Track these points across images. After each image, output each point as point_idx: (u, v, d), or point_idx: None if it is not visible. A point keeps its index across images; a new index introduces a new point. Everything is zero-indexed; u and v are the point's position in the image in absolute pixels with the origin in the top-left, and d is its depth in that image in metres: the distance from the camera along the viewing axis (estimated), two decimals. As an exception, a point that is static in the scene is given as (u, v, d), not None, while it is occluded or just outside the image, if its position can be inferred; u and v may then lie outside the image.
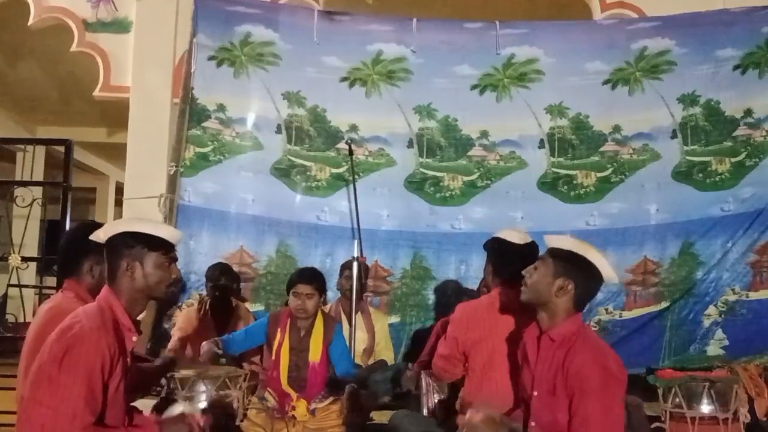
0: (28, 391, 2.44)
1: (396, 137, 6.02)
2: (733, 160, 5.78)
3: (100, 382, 2.43)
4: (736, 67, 5.80)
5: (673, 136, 5.87)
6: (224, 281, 5.18)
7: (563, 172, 5.94)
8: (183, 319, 5.24)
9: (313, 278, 4.37)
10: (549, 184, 5.94)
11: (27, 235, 6.70)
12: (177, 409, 2.75)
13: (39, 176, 8.79)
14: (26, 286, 6.97)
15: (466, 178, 5.97)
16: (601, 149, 5.92)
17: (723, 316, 5.61)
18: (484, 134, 5.99)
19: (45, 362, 2.42)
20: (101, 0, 6.59)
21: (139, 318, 2.77)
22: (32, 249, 8.25)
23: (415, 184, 5.99)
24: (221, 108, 5.90)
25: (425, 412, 4.08)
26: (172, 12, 6.46)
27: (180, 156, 5.77)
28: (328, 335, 4.37)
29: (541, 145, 5.97)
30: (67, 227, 5.92)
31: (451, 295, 5.42)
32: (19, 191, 6.51)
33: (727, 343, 5.56)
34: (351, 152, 5.61)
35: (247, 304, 5.53)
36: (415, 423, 3.82)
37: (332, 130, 6.00)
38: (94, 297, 2.79)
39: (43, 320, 2.90)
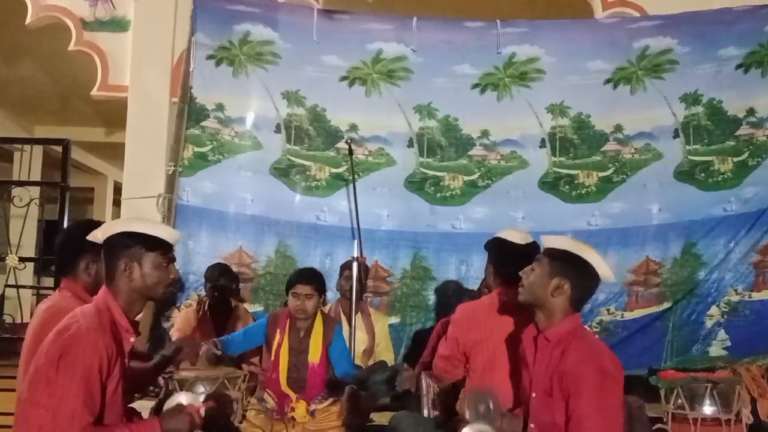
0: (26, 392, 2.44)
1: (396, 137, 6.00)
2: (736, 159, 5.76)
3: (98, 383, 2.42)
4: (738, 66, 5.78)
5: (676, 135, 5.84)
6: (223, 282, 5.17)
7: (564, 171, 5.92)
8: (181, 319, 5.24)
9: (313, 279, 4.38)
10: (550, 184, 5.92)
11: (24, 236, 6.66)
12: (176, 399, 2.74)
13: (36, 176, 8.87)
14: (24, 287, 6.95)
15: (466, 178, 5.96)
16: (603, 149, 5.91)
17: (725, 316, 5.58)
18: (485, 134, 5.97)
19: (42, 363, 2.42)
20: (99, -2, 6.57)
21: (137, 318, 2.75)
22: (30, 249, 8.23)
23: (416, 184, 5.97)
24: (220, 107, 5.88)
25: (425, 413, 4.06)
26: (171, 11, 6.39)
27: (178, 156, 5.76)
28: (328, 336, 4.38)
29: (543, 144, 5.95)
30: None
31: (451, 295, 5.40)
32: (16, 191, 6.48)
33: (729, 343, 5.54)
34: (351, 152, 5.59)
35: (246, 305, 5.52)
36: (415, 424, 3.81)
37: (332, 130, 5.99)
38: (92, 295, 2.79)
39: (40, 320, 2.92)
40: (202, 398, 2.82)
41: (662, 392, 3.96)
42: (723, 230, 5.65)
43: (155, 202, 5.74)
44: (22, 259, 6.33)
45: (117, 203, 13.03)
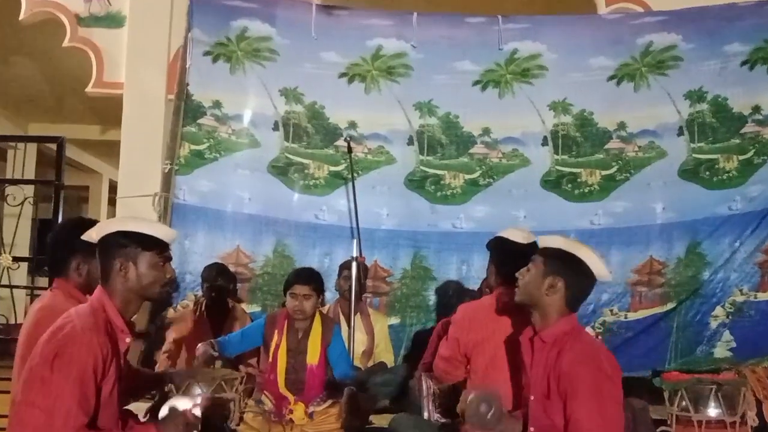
0: (20, 393, 2.43)
1: (396, 134, 5.96)
2: (741, 157, 5.70)
3: (92, 384, 2.42)
4: (743, 63, 5.73)
5: (680, 133, 5.79)
6: (220, 282, 5.14)
7: (567, 170, 5.87)
8: (178, 320, 5.21)
9: (311, 279, 4.38)
10: (552, 183, 5.87)
11: (18, 235, 6.61)
12: (171, 404, 2.70)
13: (30, 174, 8.89)
14: (17, 287, 6.91)
15: (467, 176, 5.92)
16: (606, 147, 5.86)
17: (730, 317, 5.52)
18: (486, 131, 5.93)
19: (37, 363, 2.42)
20: (94, -6, 6.53)
21: (132, 319, 2.75)
22: (23, 249, 8.16)
23: (416, 183, 5.92)
24: (217, 104, 5.84)
25: (425, 415, 4.04)
26: (167, 6, 6.39)
27: (175, 154, 5.72)
28: (327, 337, 4.38)
29: (545, 142, 5.91)
30: (59, 227, 5.84)
31: (452, 295, 5.41)
32: (10, 189, 6.48)
33: (734, 344, 5.48)
34: (350, 150, 5.54)
35: (243, 305, 5.49)
36: (415, 426, 3.80)
37: (331, 127, 5.94)
38: (86, 294, 2.84)
39: (34, 320, 2.94)
40: (198, 400, 2.76)
41: (666, 394, 3.92)
42: (728, 229, 5.59)
43: (151, 201, 5.69)
44: (15, 259, 6.31)
45: (112, 202, 13.08)
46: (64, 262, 3.08)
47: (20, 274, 7.50)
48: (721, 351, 5.48)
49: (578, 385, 2.63)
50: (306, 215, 5.86)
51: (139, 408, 3.38)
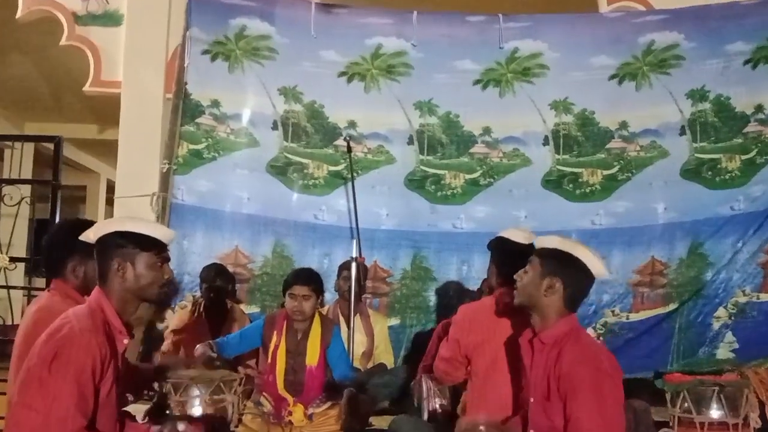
0: (17, 394, 2.41)
1: (396, 134, 5.95)
2: (744, 157, 5.69)
3: (91, 385, 2.41)
4: (746, 62, 5.71)
5: (682, 132, 5.79)
6: (219, 282, 5.13)
7: (568, 169, 5.86)
8: (176, 321, 5.19)
9: (310, 279, 4.36)
10: (554, 182, 5.86)
11: (15, 235, 6.58)
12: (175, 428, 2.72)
13: (27, 174, 8.86)
14: (14, 288, 6.88)
15: (468, 176, 5.90)
16: (608, 146, 5.85)
17: (733, 318, 5.51)
18: (487, 131, 5.92)
19: (34, 365, 2.40)
20: (91, -8, 6.52)
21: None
22: (20, 249, 8.16)
23: (416, 182, 5.91)
24: (215, 104, 5.83)
25: (425, 417, 4.00)
26: (165, 4, 6.37)
27: (173, 153, 5.70)
28: (326, 338, 4.36)
29: (546, 141, 5.90)
30: (56, 227, 5.82)
31: (452, 296, 5.39)
32: (6, 189, 6.42)
33: (737, 346, 5.46)
34: (349, 149, 5.53)
35: (242, 306, 5.47)
36: (415, 428, 3.80)
37: (330, 127, 5.93)
38: (82, 295, 2.83)
39: (31, 321, 2.92)
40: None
41: (668, 396, 3.86)
42: (730, 230, 5.58)
43: (149, 201, 5.68)
44: (12, 259, 6.27)
45: (110, 202, 13.06)
46: (61, 263, 3.06)
47: (17, 275, 7.45)
48: (723, 352, 5.47)
49: (578, 384, 2.62)
50: (305, 215, 5.85)
51: (137, 410, 3.37)
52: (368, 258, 5.36)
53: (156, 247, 2.67)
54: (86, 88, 6.56)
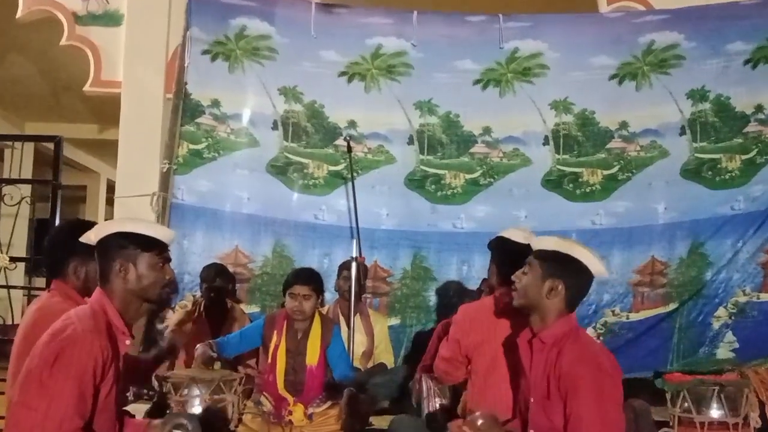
0: (17, 394, 2.40)
1: (396, 134, 5.95)
2: (744, 157, 5.69)
3: (91, 386, 2.39)
4: (746, 62, 5.72)
5: (682, 132, 5.79)
6: (219, 282, 5.12)
7: (568, 169, 5.86)
8: (176, 321, 5.17)
9: (311, 279, 4.34)
10: (554, 182, 5.87)
11: (15, 235, 6.56)
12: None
13: (27, 174, 8.83)
14: (14, 287, 6.87)
15: (468, 176, 5.91)
16: (608, 146, 5.85)
17: (733, 318, 5.51)
18: (487, 131, 5.92)
19: (36, 365, 2.39)
20: (92, -8, 6.52)
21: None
22: (20, 249, 8.14)
23: (416, 182, 5.91)
24: (215, 103, 5.82)
25: (425, 416, 4.00)
26: (165, 4, 6.39)
27: (173, 153, 5.70)
28: (326, 338, 4.34)
29: (546, 141, 5.90)
30: (57, 226, 5.82)
31: (452, 296, 5.36)
32: (6, 189, 6.40)
33: (737, 345, 5.47)
34: (350, 149, 5.53)
35: (242, 306, 5.46)
36: (415, 428, 3.77)
37: (330, 127, 5.93)
38: (83, 296, 2.82)
39: (31, 321, 2.90)
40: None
41: (668, 395, 3.90)
42: (731, 229, 5.58)
43: (149, 201, 5.67)
44: (12, 259, 6.24)
45: (110, 202, 13.04)
46: (62, 264, 3.05)
47: (17, 275, 7.46)
48: (723, 352, 5.47)
49: (579, 384, 2.60)
50: (305, 215, 5.84)
51: (137, 409, 3.39)
52: (368, 258, 5.35)
53: (157, 248, 2.66)
54: (86, 88, 6.57)
